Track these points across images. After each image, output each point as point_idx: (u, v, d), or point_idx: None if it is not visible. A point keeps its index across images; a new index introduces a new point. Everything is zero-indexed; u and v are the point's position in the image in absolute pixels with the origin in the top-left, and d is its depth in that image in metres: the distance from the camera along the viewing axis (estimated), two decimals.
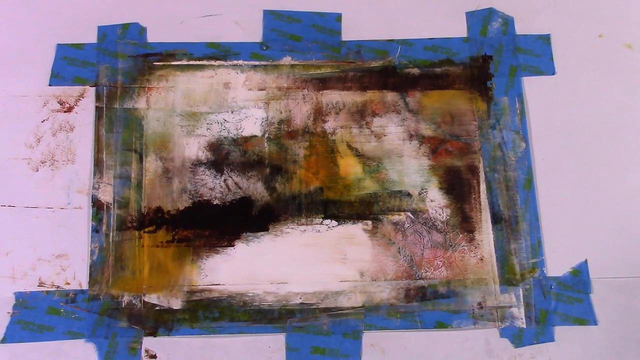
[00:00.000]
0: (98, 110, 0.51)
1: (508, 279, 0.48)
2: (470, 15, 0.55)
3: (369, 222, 0.49)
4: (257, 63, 0.53)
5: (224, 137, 0.51)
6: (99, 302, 0.47)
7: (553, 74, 0.54)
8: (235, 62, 0.53)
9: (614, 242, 0.49)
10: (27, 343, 0.46)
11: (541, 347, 0.47)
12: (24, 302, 0.47)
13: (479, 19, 0.55)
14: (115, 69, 0.52)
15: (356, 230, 0.49)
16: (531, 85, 0.53)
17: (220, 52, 0.53)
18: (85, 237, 0.48)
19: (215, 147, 0.51)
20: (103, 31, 0.53)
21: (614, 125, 0.52)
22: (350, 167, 0.51)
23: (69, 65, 0.52)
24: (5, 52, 0.53)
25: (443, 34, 0.55)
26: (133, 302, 0.47)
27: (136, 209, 0.49)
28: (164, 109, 0.52)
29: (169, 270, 0.48)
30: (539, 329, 0.47)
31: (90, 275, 0.48)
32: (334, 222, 0.49)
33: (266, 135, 0.51)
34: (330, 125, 0.52)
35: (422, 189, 0.50)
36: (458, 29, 0.55)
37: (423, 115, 0.52)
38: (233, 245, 0.49)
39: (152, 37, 0.54)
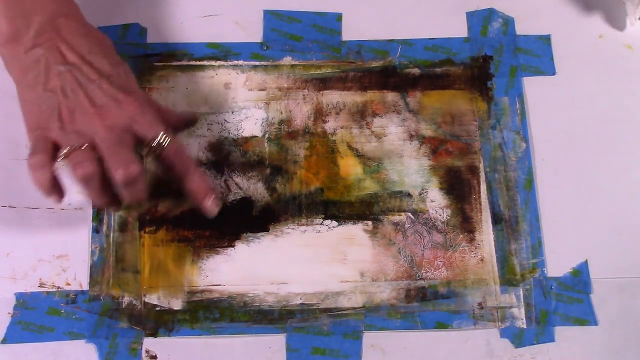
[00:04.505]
0: None
1: (508, 279, 0.48)
2: (470, 16, 0.55)
3: (370, 223, 0.49)
4: (257, 63, 0.53)
5: (225, 138, 0.51)
6: (100, 303, 0.47)
7: (553, 74, 0.54)
8: (236, 62, 0.53)
9: (614, 242, 0.49)
10: (27, 343, 0.46)
11: (541, 347, 0.47)
12: (24, 303, 0.47)
13: (480, 19, 0.55)
14: None
15: (356, 231, 0.49)
16: (531, 85, 0.53)
17: (220, 53, 0.53)
18: (85, 237, 0.48)
19: (215, 147, 0.51)
20: (103, 32, 0.53)
21: (614, 126, 0.52)
22: (350, 167, 0.51)
23: None
24: None
25: (443, 34, 0.55)
26: (133, 302, 0.47)
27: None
28: None
29: (169, 271, 0.48)
30: (539, 329, 0.47)
31: (91, 275, 0.48)
32: (334, 223, 0.49)
33: (266, 136, 0.51)
34: (330, 125, 0.52)
35: (423, 189, 0.50)
36: (458, 29, 0.55)
37: (423, 116, 0.52)
38: (233, 246, 0.49)
39: (153, 37, 0.54)
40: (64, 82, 0.42)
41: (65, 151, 0.41)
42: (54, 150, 0.41)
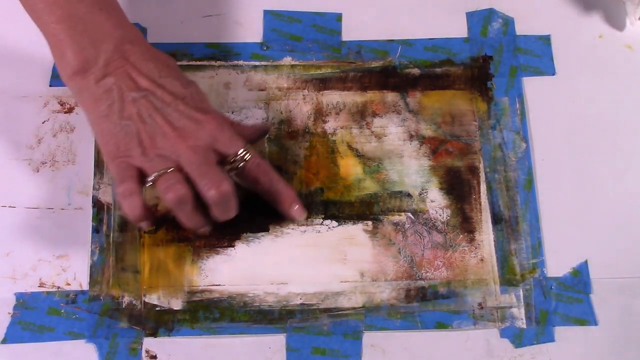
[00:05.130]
0: None
1: (508, 280, 0.48)
2: (470, 16, 0.55)
3: (370, 223, 0.49)
4: (257, 63, 0.53)
5: None
6: (100, 303, 0.47)
7: (553, 74, 0.54)
8: (236, 62, 0.54)
9: (614, 242, 0.49)
10: (27, 343, 0.46)
11: (541, 348, 0.47)
12: (24, 303, 0.47)
13: (480, 19, 0.55)
14: None
15: (356, 231, 0.49)
16: (531, 85, 0.53)
17: (220, 53, 0.54)
18: (85, 237, 0.48)
19: None
20: None
21: (614, 126, 0.52)
22: (350, 167, 0.51)
23: None
24: (5, 53, 0.53)
25: (443, 34, 0.55)
26: (133, 302, 0.47)
27: None
28: None
29: (169, 271, 0.48)
30: (539, 329, 0.47)
31: (91, 275, 0.48)
32: (334, 223, 0.49)
33: (266, 136, 0.51)
34: (330, 125, 0.52)
35: (423, 190, 0.50)
36: (458, 29, 0.55)
37: (423, 116, 0.52)
38: (233, 246, 0.49)
39: (153, 37, 0.54)
40: (140, 108, 0.42)
41: (153, 177, 0.41)
42: (140, 177, 0.41)
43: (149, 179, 0.41)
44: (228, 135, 0.43)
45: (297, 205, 0.46)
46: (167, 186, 0.41)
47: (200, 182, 0.41)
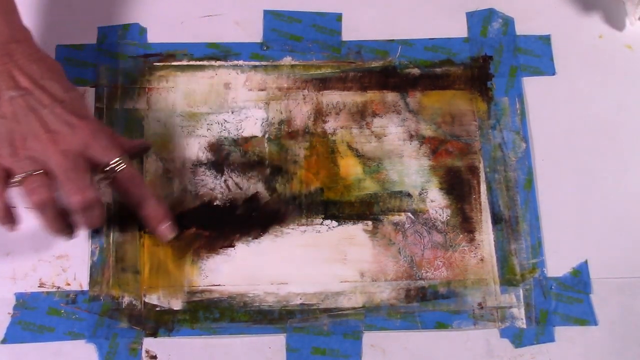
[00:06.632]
0: (98, 110, 0.51)
1: (508, 279, 0.48)
2: (470, 16, 0.55)
3: (369, 223, 0.49)
4: (257, 63, 0.53)
5: (224, 138, 0.51)
6: (100, 303, 0.47)
7: (553, 74, 0.54)
8: (236, 62, 0.53)
9: (614, 242, 0.49)
10: (27, 344, 0.46)
11: (541, 348, 0.47)
12: (24, 303, 0.47)
13: (479, 20, 0.55)
14: (116, 70, 0.52)
15: (356, 231, 0.49)
16: (531, 85, 0.53)
17: (220, 53, 0.54)
18: (85, 237, 0.48)
19: (215, 147, 0.51)
20: (103, 32, 0.53)
21: (614, 126, 0.52)
22: (350, 167, 0.51)
23: (69, 66, 0.52)
24: None
25: (443, 34, 0.55)
26: (133, 302, 0.47)
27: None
28: (165, 110, 0.52)
29: (169, 271, 0.48)
30: (539, 329, 0.47)
31: (91, 276, 0.48)
32: (334, 223, 0.49)
33: (266, 136, 0.51)
34: (330, 125, 0.52)
35: (423, 190, 0.50)
36: (458, 29, 0.55)
37: (423, 116, 0.52)
38: (233, 246, 0.49)
39: (153, 37, 0.54)
40: (16, 107, 0.41)
41: (19, 178, 0.40)
42: (6, 177, 0.41)
43: (14, 180, 0.41)
44: (103, 144, 0.42)
45: (166, 224, 0.46)
46: (31, 189, 0.40)
47: (64, 186, 0.40)
